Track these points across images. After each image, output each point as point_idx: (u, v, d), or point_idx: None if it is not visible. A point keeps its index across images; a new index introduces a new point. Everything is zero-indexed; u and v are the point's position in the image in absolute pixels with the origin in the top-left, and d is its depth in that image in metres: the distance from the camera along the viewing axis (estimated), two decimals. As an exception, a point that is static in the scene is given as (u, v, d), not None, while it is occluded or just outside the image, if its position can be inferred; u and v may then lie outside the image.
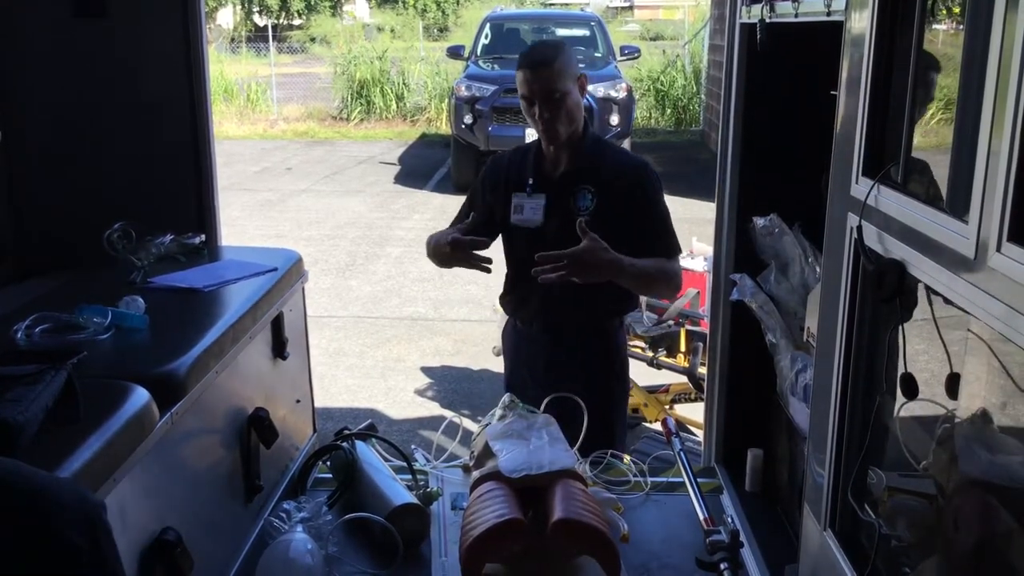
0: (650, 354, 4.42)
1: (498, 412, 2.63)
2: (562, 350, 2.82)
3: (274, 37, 21.07)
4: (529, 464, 2.29)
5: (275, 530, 2.34)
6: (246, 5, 33.77)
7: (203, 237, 2.95)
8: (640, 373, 4.50)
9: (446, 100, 15.07)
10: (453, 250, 2.70)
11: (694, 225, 7.26)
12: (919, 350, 1.56)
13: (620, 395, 2.96)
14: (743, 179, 2.84)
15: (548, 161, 2.79)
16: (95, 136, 2.97)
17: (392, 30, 22.96)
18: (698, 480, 2.64)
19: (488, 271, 2.71)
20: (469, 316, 6.76)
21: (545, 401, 2.66)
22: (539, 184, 2.78)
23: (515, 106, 10.59)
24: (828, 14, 1.96)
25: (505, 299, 2.95)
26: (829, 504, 1.82)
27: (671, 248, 2.74)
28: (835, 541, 1.80)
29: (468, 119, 10.81)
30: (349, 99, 17.00)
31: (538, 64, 2.67)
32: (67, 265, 2.81)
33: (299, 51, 23.74)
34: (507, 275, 2.92)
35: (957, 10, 1.48)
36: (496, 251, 2.85)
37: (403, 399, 5.38)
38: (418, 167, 12.86)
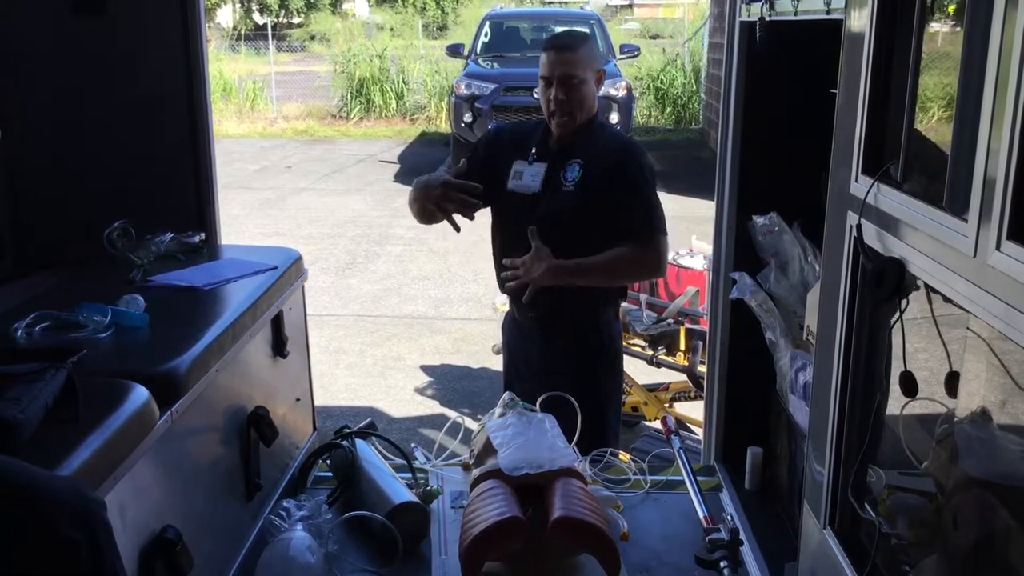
0: (650, 352, 4.42)
1: (498, 410, 2.63)
2: (555, 342, 2.83)
3: (273, 35, 21.05)
4: (529, 462, 2.29)
5: (275, 528, 2.34)
6: (245, 3, 33.73)
7: (203, 235, 2.95)
8: (640, 371, 4.51)
9: (446, 98, 15.06)
10: (443, 191, 2.72)
11: (693, 223, 7.25)
12: (919, 348, 1.57)
13: (613, 388, 2.96)
14: (743, 177, 2.84)
15: (553, 137, 2.83)
16: (95, 134, 2.97)
17: (391, 28, 22.93)
18: (698, 478, 2.64)
19: (471, 218, 2.75)
20: (469, 315, 6.75)
21: (540, 399, 2.67)
22: (541, 154, 2.82)
23: (515, 104, 10.66)
24: (828, 12, 1.96)
25: (500, 277, 2.91)
26: (829, 502, 1.82)
27: (651, 228, 2.73)
28: (835, 539, 1.80)
29: (468, 117, 10.82)
30: (349, 97, 16.98)
31: (562, 47, 2.75)
32: (67, 263, 2.81)
33: (298, 49, 23.71)
34: (497, 252, 2.91)
35: (951, 8, 1.48)
36: (482, 230, 2.83)
37: (403, 397, 5.37)
38: (418, 165, 12.84)
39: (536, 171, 2.79)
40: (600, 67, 2.81)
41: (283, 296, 2.78)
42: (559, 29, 13.31)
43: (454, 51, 13.14)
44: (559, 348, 2.83)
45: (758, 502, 2.77)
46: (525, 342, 2.91)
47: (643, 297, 4.57)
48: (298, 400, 2.99)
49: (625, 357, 3.26)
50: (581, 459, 2.66)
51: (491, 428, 2.50)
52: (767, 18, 2.47)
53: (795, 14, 2.25)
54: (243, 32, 27.88)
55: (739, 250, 2.85)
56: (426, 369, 5.80)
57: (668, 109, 16.50)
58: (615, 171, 2.73)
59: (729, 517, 2.61)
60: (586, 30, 12.92)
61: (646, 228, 2.72)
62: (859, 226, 1.61)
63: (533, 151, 2.82)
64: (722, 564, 2.21)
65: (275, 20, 30.46)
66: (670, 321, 4.48)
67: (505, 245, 2.86)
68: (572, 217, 2.71)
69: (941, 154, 1.37)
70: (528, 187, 2.79)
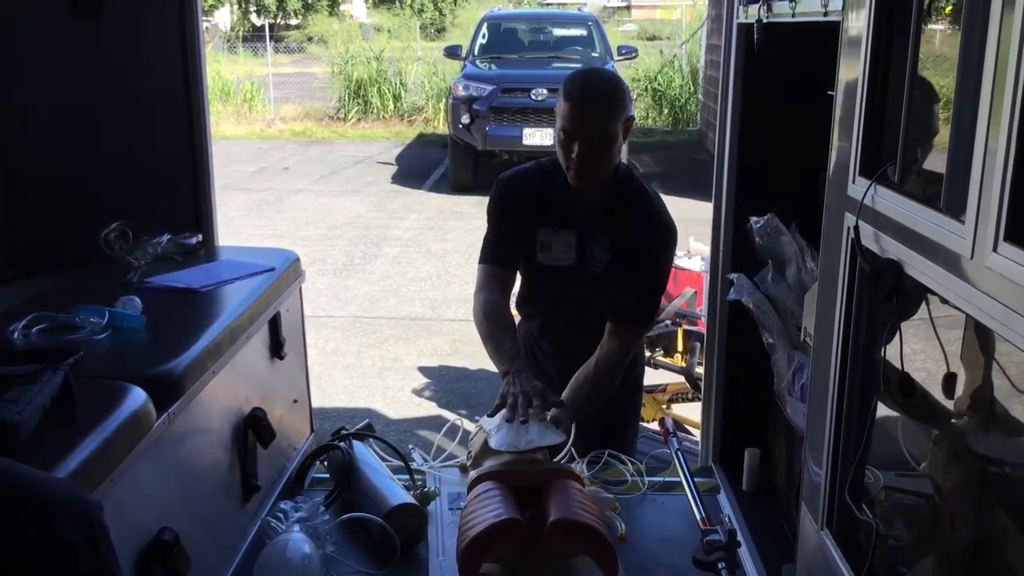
0: (647, 354, 4.42)
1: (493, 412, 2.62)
2: (575, 362, 2.75)
3: (271, 37, 21.04)
4: (518, 441, 2.26)
5: (272, 530, 2.34)
6: (243, 5, 33.74)
7: (200, 237, 2.95)
8: (637, 373, 4.51)
9: (443, 100, 15.08)
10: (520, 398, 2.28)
11: (691, 225, 7.23)
12: (916, 349, 1.57)
13: (631, 407, 2.93)
14: (740, 179, 2.84)
15: (575, 192, 2.49)
16: (92, 135, 2.97)
17: (389, 30, 22.93)
18: (695, 480, 2.64)
19: None
20: (466, 316, 6.74)
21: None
22: (567, 219, 2.52)
23: (512, 106, 10.63)
24: (825, 14, 1.96)
25: (523, 309, 2.80)
26: (826, 503, 1.83)
27: (643, 319, 2.58)
28: (832, 540, 1.80)
29: (465, 119, 10.80)
30: (346, 99, 16.98)
31: (593, 98, 2.32)
32: (64, 265, 2.80)
33: (296, 51, 23.71)
34: (527, 289, 2.74)
35: (948, 10, 1.49)
36: (480, 230, 2.68)
37: (400, 399, 5.37)
38: (415, 167, 12.85)
39: (566, 240, 2.51)
40: (630, 112, 2.39)
41: (280, 297, 2.77)
42: (557, 31, 13.34)
43: (452, 53, 13.13)
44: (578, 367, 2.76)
45: (756, 503, 2.77)
46: (544, 360, 2.81)
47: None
48: (295, 401, 2.99)
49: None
50: (579, 461, 2.66)
51: (486, 422, 2.48)
52: (764, 20, 2.47)
53: (792, 16, 2.26)
54: (241, 33, 27.89)
55: (737, 251, 2.85)
56: (424, 370, 5.79)
57: (666, 110, 16.53)
58: (643, 250, 2.49)
59: (727, 518, 2.61)
60: (583, 32, 12.96)
61: (645, 316, 2.58)
62: (857, 228, 1.61)
63: (557, 216, 2.51)
64: (719, 566, 2.20)
65: (273, 21, 30.47)
66: (667, 322, 4.49)
67: (546, 308, 2.71)
68: (599, 294, 2.55)
69: (938, 156, 1.37)
70: (562, 260, 2.54)
